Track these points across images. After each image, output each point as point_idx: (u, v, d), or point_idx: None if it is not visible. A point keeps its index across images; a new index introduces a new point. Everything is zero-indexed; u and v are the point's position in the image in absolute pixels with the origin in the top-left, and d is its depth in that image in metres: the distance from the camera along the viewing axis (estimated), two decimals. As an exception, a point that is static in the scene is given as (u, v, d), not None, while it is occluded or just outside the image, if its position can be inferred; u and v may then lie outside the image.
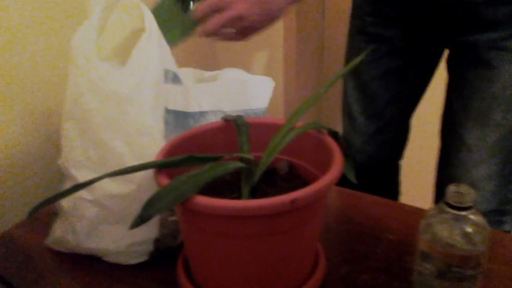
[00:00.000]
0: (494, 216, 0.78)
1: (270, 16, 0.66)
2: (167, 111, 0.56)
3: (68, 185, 0.56)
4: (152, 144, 0.52)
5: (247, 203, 0.42)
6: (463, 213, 0.45)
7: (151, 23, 0.55)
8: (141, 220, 0.41)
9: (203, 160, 0.49)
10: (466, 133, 0.76)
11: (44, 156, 0.78)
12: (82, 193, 0.54)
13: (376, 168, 0.94)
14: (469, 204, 0.45)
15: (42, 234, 0.62)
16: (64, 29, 0.78)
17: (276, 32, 1.30)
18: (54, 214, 0.61)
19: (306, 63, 1.44)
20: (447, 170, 0.82)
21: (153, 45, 0.54)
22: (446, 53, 0.84)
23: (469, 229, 0.45)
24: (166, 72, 0.56)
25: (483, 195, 0.76)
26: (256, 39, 1.24)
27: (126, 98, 0.52)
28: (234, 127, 0.56)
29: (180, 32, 0.68)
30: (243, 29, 0.66)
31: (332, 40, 1.46)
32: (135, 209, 0.42)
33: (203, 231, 0.47)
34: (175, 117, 0.58)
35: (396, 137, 0.94)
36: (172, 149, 0.52)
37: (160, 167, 0.47)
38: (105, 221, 0.55)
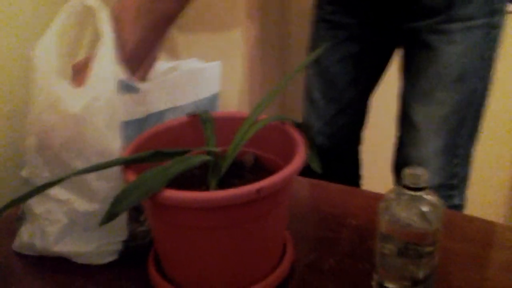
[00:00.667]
0: (443, 191, 0.83)
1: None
2: (126, 124, 0.55)
3: (36, 202, 0.56)
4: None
5: (214, 194, 0.43)
6: (419, 193, 0.48)
7: (106, 31, 0.53)
8: (110, 216, 0.42)
9: (170, 155, 0.50)
10: (414, 113, 0.82)
11: (6, 157, 0.77)
12: (57, 194, 0.54)
13: (336, 150, 0.98)
14: (423, 185, 0.48)
15: (7, 239, 0.62)
16: (37, 23, 0.77)
17: (239, 19, 1.32)
18: (19, 218, 0.60)
19: (270, 53, 1.46)
20: (400, 152, 0.87)
21: (105, 57, 0.52)
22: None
23: (425, 208, 0.48)
24: (121, 82, 0.53)
25: (432, 171, 0.81)
26: (219, 26, 1.24)
27: (80, 119, 0.51)
28: (198, 122, 0.58)
29: None
30: None
31: (296, 28, 1.48)
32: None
33: (172, 224, 0.48)
34: (135, 127, 0.57)
35: (354, 119, 0.99)
36: (139, 147, 0.53)
37: (127, 163, 0.48)
38: (76, 227, 0.55)
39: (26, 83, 0.70)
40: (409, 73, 0.84)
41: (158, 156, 0.49)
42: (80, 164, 0.51)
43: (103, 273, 0.57)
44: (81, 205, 0.53)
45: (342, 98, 0.94)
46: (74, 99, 0.51)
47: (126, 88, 0.53)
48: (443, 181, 0.83)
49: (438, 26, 0.77)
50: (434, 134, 0.80)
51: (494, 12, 0.75)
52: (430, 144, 0.81)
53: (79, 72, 0.56)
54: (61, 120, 0.51)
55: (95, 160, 0.51)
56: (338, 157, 1.00)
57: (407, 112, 0.84)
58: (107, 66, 0.51)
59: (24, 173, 0.57)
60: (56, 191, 0.54)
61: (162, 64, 0.68)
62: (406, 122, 0.85)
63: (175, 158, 0.47)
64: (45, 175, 0.54)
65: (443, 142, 0.81)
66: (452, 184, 0.84)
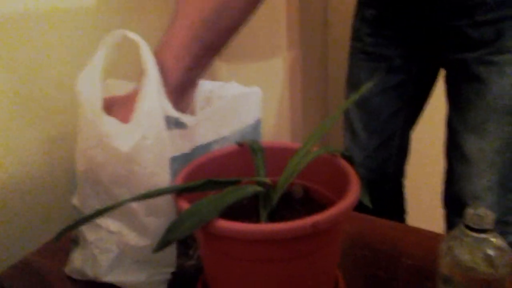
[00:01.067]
0: (498, 227, 0.79)
1: None
2: (173, 159, 0.54)
3: (89, 229, 0.56)
4: (164, 200, 0.51)
5: (269, 226, 0.42)
6: (483, 235, 0.45)
7: (151, 66, 0.52)
8: (164, 243, 0.41)
9: (222, 184, 0.49)
10: (465, 145, 0.79)
11: (58, 181, 0.79)
12: (109, 225, 0.54)
13: (379, 183, 0.95)
14: (489, 227, 0.45)
15: (60, 261, 0.62)
16: (83, 54, 0.80)
17: (280, 52, 1.33)
18: (72, 241, 0.61)
19: (311, 85, 1.46)
20: (452, 185, 0.84)
21: (152, 93, 0.51)
22: (443, 71, 0.88)
23: (490, 252, 0.45)
24: (168, 118, 0.52)
25: (486, 206, 0.77)
26: (261, 57, 1.26)
27: (129, 157, 0.50)
28: (246, 151, 0.57)
29: None
30: None
31: (335, 62, 1.48)
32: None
33: (224, 255, 0.46)
34: (182, 161, 0.56)
35: (397, 152, 0.97)
36: (189, 175, 0.53)
37: (180, 192, 0.47)
38: (127, 258, 0.55)
39: (73, 111, 0.72)
40: (458, 105, 0.82)
41: (210, 185, 0.49)
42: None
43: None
44: (132, 239, 0.53)
45: (384, 130, 0.93)
46: (123, 137, 0.50)
47: (174, 124, 0.53)
48: (498, 217, 0.78)
49: (487, 58, 0.75)
50: (488, 167, 0.77)
51: None
52: (484, 178, 0.78)
53: (122, 105, 0.55)
54: (110, 157, 0.51)
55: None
56: (381, 191, 0.97)
57: (458, 144, 0.82)
58: (154, 102, 0.51)
59: (75, 201, 0.58)
60: (108, 222, 0.54)
61: (200, 86, 0.68)
62: (457, 155, 0.82)
63: (227, 188, 0.46)
64: (95, 206, 0.54)
65: (498, 176, 0.77)
66: (508, 221, 0.80)
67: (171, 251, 0.55)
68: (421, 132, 1.00)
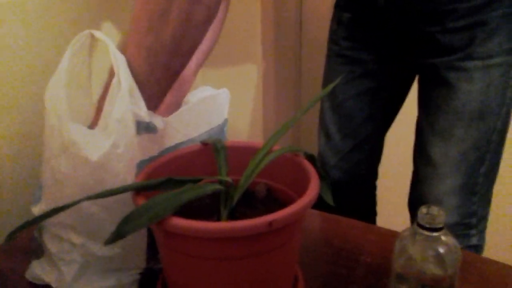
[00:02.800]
0: (461, 230, 0.81)
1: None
2: (141, 163, 0.53)
3: (51, 241, 0.55)
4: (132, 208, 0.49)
5: (224, 225, 0.42)
6: (435, 234, 0.46)
7: (120, 66, 0.50)
8: (116, 236, 0.41)
9: (182, 182, 0.49)
10: (431, 149, 0.81)
11: (20, 180, 0.77)
12: (71, 238, 0.53)
13: (352, 185, 0.97)
14: (440, 225, 0.46)
15: (22, 259, 0.61)
16: (53, 51, 0.78)
17: (255, 54, 1.33)
18: (33, 252, 0.59)
19: (284, 86, 1.47)
20: (417, 188, 0.85)
21: (123, 98, 0.49)
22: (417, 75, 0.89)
23: (441, 250, 0.46)
24: (138, 123, 0.51)
25: (449, 209, 0.80)
26: (235, 58, 1.26)
27: (98, 165, 0.49)
28: (211, 150, 0.57)
29: None
30: None
31: (309, 62, 1.49)
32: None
33: (181, 253, 0.47)
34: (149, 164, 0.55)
35: (370, 155, 0.98)
36: (151, 173, 0.53)
37: (139, 189, 0.47)
38: (93, 267, 0.54)
39: (39, 120, 0.70)
40: (427, 109, 0.83)
41: (170, 183, 0.49)
42: (97, 210, 0.50)
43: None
44: (99, 250, 0.52)
45: (358, 133, 0.93)
46: (91, 145, 0.49)
47: (144, 129, 0.52)
48: (461, 220, 0.81)
49: (457, 63, 0.76)
50: (452, 171, 0.79)
51: None
52: (448, 181, 0.79)
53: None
54: (76, 166, 0.49)
55: (114, 207, 0.49)
56: (354, 192, 0.99)
57: (424, 147, 0.83)
58: (125, 108, 0.49)
59: (35, 209, 0.56)
60: (70, 235, 0.53)
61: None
62: (423, 158, 0.84)
63: (186, 186, 0.46)
64: (60, 219, 0.52)
65: (461, 180, 0.79)
66: (470, 223, 0.82)
67: (140, 256, 0.55)
68: (393, 133, 1.02)
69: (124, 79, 0.50)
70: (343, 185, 0.96)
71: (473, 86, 0.75)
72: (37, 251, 0.59)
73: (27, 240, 0.61)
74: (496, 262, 0.62)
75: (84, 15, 0.85)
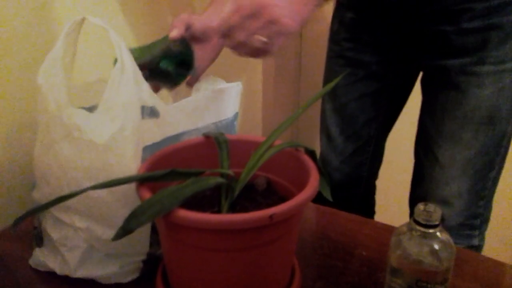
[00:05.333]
0: (464, 230, 0.81)
1: (300, 18, 0.57)
2: (145, 149, 0.54)
3: (53, 227, 0.55)
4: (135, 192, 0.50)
5: (228, 217, 0.44)
6: (431, 230, 0.47)
7: (122, 52, 0.50)
8: (123, 232, 0.42)
9: (185, 175, 0.50)
10: (439, 152, 0.80)
11: (16, 169, 0.78)
12: (75, 222, 0.53)
13: (353, 187, 0.97)
14: (436, 222, 0.47)
15: (24, 245, 0.62)
16: (40, 42, 0.78)
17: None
18: (35, 239, 0.60)
19: (285, 84, 1.48)
20: (421, 187, 0.85)
21: (128, 82, 0.50)
22: (420, 75, 0.88)
23: (436, 246, 0.47)
24: (143, 108, 0.52)
25: (455, 211, 0.79)
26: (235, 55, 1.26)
27: (105, 148, 0.49)
28: (214, 143, 0.58)
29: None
30: (274, 35, 0.56)
31: (309, 60, 1.50)
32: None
33: (183, 244, 0.48)
34: (152, 151, 0.56)
35: (372, 157, 0.97)
36: (153, 164, 0.54)
37: (142, 181, 0.48)
38: (96, 251, 0.55)
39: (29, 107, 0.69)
40: (433, 111, 0.82)
41: (173, 175, 0.50)
42: (103, 194, 0.50)
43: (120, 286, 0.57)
44: (103, 233, 0.53)
45: (360, 136, 0.93)
46: (96, 129, 0.49)
47: (149, 113, 0.53)
48: (465, 221, 0.81)
49: (468, 68, 0.75)
50: (459, 174, 0.79)
51: None
52: (455, 184, 0.79)
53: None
54: (81, 150, 0.50)
55: (119, 189, 0.50)
56: (354, 193, 0.98)
57: (430, 149, 0.82)
58: (131, 92, 0.50)
59: (35, 194, 0.57)
60: (74, 219, 0.53)
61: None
62: (429, 158, 0.83)
63: (190, 179, 0.47)
64: (66, 204, 0.52)
65: (469, 184, 0.79)
66: (474, 225, 0.82)
67: (143, 241, 0.55)
68: (393, 131, 1.02)
69: (127, 63, 0.50)
70: (344, 186, 0.96)
71: (483, 91, 0.74)
72: (38, 238, 0.60)
73: (30, 226, 0.62)
74: (489, 259, 0.63)
75: (79, 2, 0.84)
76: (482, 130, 0.76)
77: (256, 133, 1.41)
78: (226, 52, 1.33)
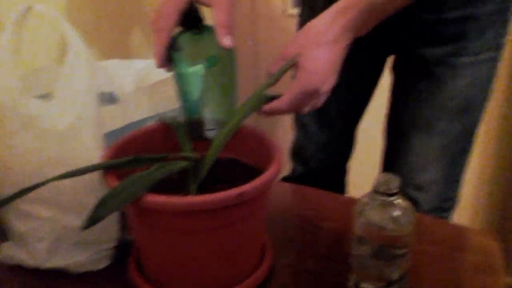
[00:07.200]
0: (436, 213, 0.84)
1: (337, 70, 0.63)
2: (107, 136, 0.54)
3: (18, 220, 0.54)
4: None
5: (199, 198, 0.44)
6: (391, 198, 0.50)
7: (74, 39, 0.50)
8: (92, 220, 0.42)
9: (149, 161, 0.50)
10: (413, 139, 0.81)
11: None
12: (40, 212, 0.53)
13: (327, 173, 0.98)
14: (395, 191, 0.50)
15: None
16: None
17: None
18: None
19: (242, 61, 1.47)
20: (394, 172, 0.86)
21: (82, 69, 0.50)
22: (391, 61, 0.87)
23: (396, 213, 0.50)
24: (101, 95, 0.52)
25: (429, 197, 0.82)
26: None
27: (65, 135, 0.49)
28: (170, 127, 0.58)
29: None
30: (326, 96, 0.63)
31: (267, 41, 1.50)
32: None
33: (155, 228, 0.48)
34: (114, 137, 0.56)
35: (345, 145, 0.99)
36: (116, 151, 0.53)
37: (107, 168, 0.48)
38: (65, 241, 0.54)
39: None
40: (408, 100, 0.82)
41: (137, 162, 0.50)
42: (67, 182, 0.49)
43: (92, 275, 0.56)
44: (71, 221, 0.52)
45: (333, 125, 0.93)
46: (54, 117, 0.49)
47: (107, 99, 0.53)
48: (438, 205, 0.84)
49: (446, 59, 0.75)
50: (434, 162, 0.80)
51: (500, 46, 0.75)
52: (430, 171, 0.81)
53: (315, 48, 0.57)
54: (39, 140, 0.49)
55: (84, 176, 0.49)
56: (328, 178, 1.00)
57: (405, 136, 0.83)
58: (85, 78, 0.50)
59: None
60: (39, 209, 0.53)
61: (135, 64, 0.67)
62: (403, 146, 0.84)
63: (156, 164, 0.47)
64: (30, 195, 0.50)
65: (444, 171, 0.81)
66: (445, 207, 0.85)
67: (111, 227, 0.55)
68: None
69: (81, 51, 0.50)
70: (319, 173, 0.98)
71: (459, 82, 0.75)
72: (1, 233, 0.59)
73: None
74: (447, 223, 0.67)
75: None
76: (457, 119, 0.77)
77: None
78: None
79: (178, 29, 0.57)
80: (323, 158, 0.96)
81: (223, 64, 0.58)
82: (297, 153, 0.99)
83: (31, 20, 0.52)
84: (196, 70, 0.56)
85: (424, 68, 0.78)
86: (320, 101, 0.61)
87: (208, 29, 0.57)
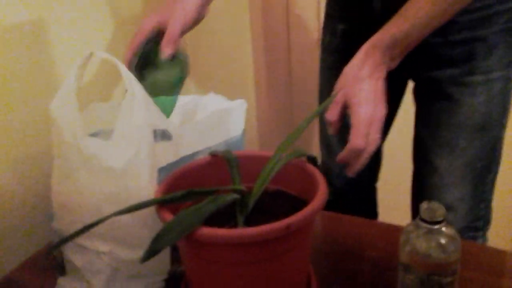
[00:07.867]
0: (468, 232, 0.84)
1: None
2: (160, 170, 0.57)
3: (76, 254, 0.57)
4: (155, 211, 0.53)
5: (249, 230, 0.46)
6: (436, 226, 0.51)
7: (131, 82, 0.54)
8: (150, 253, 0.44)
9: (202, 194, 0.53)
10: (436, 160, 0.82)
11: (34, 197, 0.79)
12: (98, 246, 0.56)
13: (355, 192, 0.99)
14: (441, 218, 0.51)
15: (42, 277, 0.64)
16: (53, 69, 0.81)
17: (246, 60, 1.37)
18: (57, 268, 0.62)
19: (277, 96, 1.51)
20: (422, 194, 0.87)
21: (139, 108, 0.53)
22: (411, 84, 0.89)
23: (443, 240, 0.50)
24: (155, 132, 0.55)
25: (458, 216, 0.82)
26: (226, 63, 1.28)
27: (122, 173, 0.52)
28: (221, 161, 0.61)
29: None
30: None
31: (299, 71, 1.53)
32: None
33: (205, 260, 0.50)
34: (167, 171, 0.59)
35: (370, 163, 0.99)
36: (169, 186, 0.56)
37: (163, 203, 0.51)
38: (120, 274, 0.57)
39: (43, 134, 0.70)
40: (427, 121, 0.84)
41: (191, 195, 0.52)
42: (123, 216, 0.52)
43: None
44: (127, 254, 0.55)
45: None
46: (112, 155, 0.52)
47: (161, 136, 0.56)
48: (469, 224, 0.84)
49: (459, 79, 0.77)
50: (459, 180, 0.81)
51: (511, 64, 0.76)
52: (456, 190, 0.82)
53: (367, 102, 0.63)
54: (99, 177, 0.52)
55: (139, 212, 0.52)
56: (356, 197, 1.01)
57: (427, 158, 0.84)
58: (143, 117, 0.53)
59: (56, 224, 0.59)
60: (97, 244, 0.56)
61: (181, 100, 0.71)
62: (427, 167, 0.85)
63: (208, 197, 0.50)
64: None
65: (470, 189, 0.81)
66: (477, 226, 0.85)
67: (164, 259, 0.58)
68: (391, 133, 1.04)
69: (138, 90, 0.54)
70: (346, 192, 0.98)
71: (475, 100, 0.77)
72: (59, 267, 0.62)
73: (48, 257, 0.64)
74: (492, 248, 0.67)
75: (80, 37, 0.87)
76: (477, 137, 0.78)
77: (253, 147, 1.44)
78: (217, 67, 1.36)
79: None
80: (349, 177, 0.97)
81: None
82: (323, 174, 1.00)
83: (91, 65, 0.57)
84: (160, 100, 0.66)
85: (439, 89, 0.80)
86: (378, 126, 0.65)
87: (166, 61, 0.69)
